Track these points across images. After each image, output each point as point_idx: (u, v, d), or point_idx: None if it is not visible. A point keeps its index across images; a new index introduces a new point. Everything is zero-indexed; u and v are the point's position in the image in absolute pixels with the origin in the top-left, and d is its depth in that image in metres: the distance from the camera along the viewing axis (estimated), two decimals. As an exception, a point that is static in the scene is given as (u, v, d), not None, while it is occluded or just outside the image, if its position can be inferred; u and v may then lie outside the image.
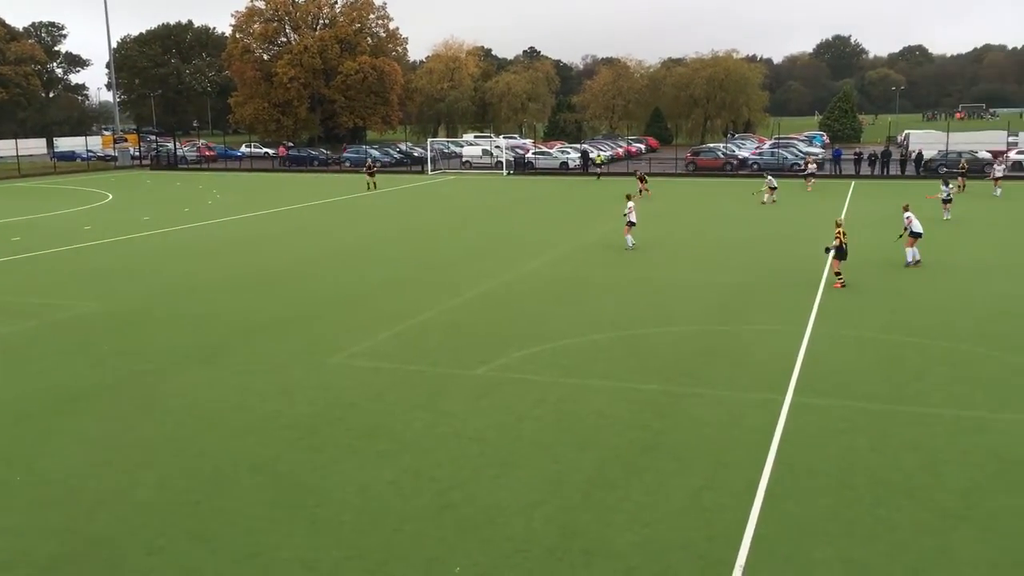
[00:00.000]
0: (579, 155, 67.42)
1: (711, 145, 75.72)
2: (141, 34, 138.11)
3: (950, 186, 35.60)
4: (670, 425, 13.42)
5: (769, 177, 44.87)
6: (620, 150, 77.17)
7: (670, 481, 11.41)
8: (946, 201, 34.59)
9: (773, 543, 9.80)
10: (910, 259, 25.08)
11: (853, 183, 53.19)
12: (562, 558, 9.59)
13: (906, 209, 25.57)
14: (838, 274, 22.89)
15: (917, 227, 24.92)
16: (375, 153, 73.44)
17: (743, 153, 67.03)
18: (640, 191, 43.94)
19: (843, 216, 33.34)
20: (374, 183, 53.41)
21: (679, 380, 15.50)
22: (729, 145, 73.90)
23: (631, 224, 29.00)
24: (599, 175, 59.89)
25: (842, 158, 59.97)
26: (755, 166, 62.41)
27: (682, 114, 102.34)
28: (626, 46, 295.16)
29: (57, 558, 9.67)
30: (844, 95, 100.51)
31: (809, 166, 52.65)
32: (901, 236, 25.57)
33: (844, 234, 22.93)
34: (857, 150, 62.86)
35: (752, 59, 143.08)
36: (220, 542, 10.00)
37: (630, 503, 10.82)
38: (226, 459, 12.29)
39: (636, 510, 10.63)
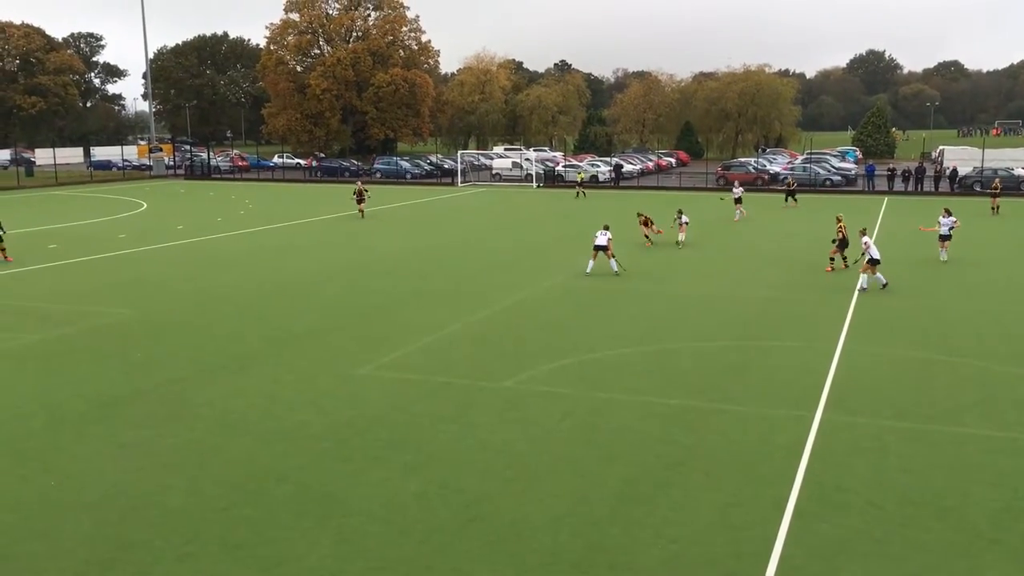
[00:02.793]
0: (611, 168, 67.47)
1: (742, 160, 75.44)
2: (177, 45, 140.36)
3: (952, 219, 28.80)
4: (698, 441, 13.37)
5: (738, 189, 42.38)
6: (650, 163, 77.05)
7: (698, 497, 11.37)
8: (944, 238, 28.43)
9: (801, 562, 9.72)
10: (864, 285, 23.85)
11: (886, 199, 52.72)
12: (588, 572, 9.58)
13: (863, 233, 24.90)
14: (832, 259, 27.23)
15: (875, 253, 23.91)
16: (403, 165, 73.22)
17: (774, 168, 66.66)
18: (647, 235, 33.41)
19: (875, 230, 33.76)
20: (362, 211, 44.38)
21: (707, 396, 15.43)
22: (760, 160, 73.54)
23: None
24: (580, 192, 55.44)
25: (875, 174, 59.43)
26: (787, 181, 61.94)
27: (713, 128, 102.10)
28: (657, 60, 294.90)
29: (89, 562, 9.81)
30: (877, 110, 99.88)
31: (735, 190, 43.91)
32: (857, 261, 25.18)
33: (844, 228, 26.99)
34: (890, 166, 62.33)
35: (784, 73, 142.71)
36: (248, 550, 10.09)
37: (657, 518, 10.78)
38: (255, 468, 12.41)
39: (663, 526, 10.59)
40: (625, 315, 21.77)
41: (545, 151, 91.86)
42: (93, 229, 40.75)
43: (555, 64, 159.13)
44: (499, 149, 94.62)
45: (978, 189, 54.13)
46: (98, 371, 17.13)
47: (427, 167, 75.75)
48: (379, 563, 9.81)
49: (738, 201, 42.51)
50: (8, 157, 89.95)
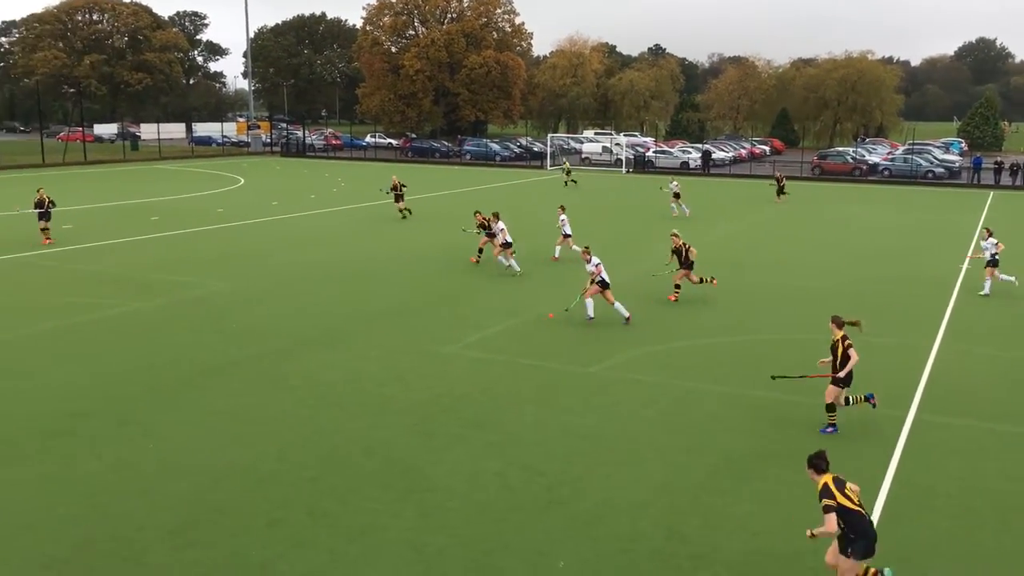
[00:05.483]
0: (700, 155, 66.45)
1: (840, 149, 73.34)
2: (277, 25, 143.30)
3: (994, 240, 23.23)
4: (784, 434, 13.14)
5: (674, 183, 39.24)
6: (743, 151, 75.57)
7: (782, 491, 11.18)
8: (991, 264, 23.10)
9: (888, 563, 9.47)
10: (591, 314, 19.59)
11: (991, 194, 50.62)
12: (667, 561, 9.54)
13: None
14: (677, 286, 21.82)
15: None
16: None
17: (873, 158, 64.63)
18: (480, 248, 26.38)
19: (982, 228, 32.03)
20: (407, 210, 36.16)
21: (795, 389, 15.12)
22: (859, 150, 71.37)
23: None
24: (570, 182, 52.31)
25: (982, 167, 57.06)
26: (886, 172, 60.12)
27: (810, 116, 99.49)
28: (755, 45, 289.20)
29: (184, 523, 10.21)
30: (986, 100, 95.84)
31: (672, 184, 39.47)
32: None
33: (681, 242, 21.47)
34: (997, 159, 59.80)
35: (888, 61, 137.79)
36: (334, 518, 10.35)
37: (740, 510, 10.66)
38: (343, 439, 12.71)
39: (746, 518, 10.47)
40: (712, 305, 21.46)
41: (636, 136, 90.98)
42: (193, 202, 42.09)
43: (649, 48, 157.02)
44: (589, 133, 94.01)
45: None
46: (195, 340, 17.74)
47: (516, 150, 75.83)
48: (459, 538, 9.95)
49: (676, 196, 38.48)
50: (115, 131, 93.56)
